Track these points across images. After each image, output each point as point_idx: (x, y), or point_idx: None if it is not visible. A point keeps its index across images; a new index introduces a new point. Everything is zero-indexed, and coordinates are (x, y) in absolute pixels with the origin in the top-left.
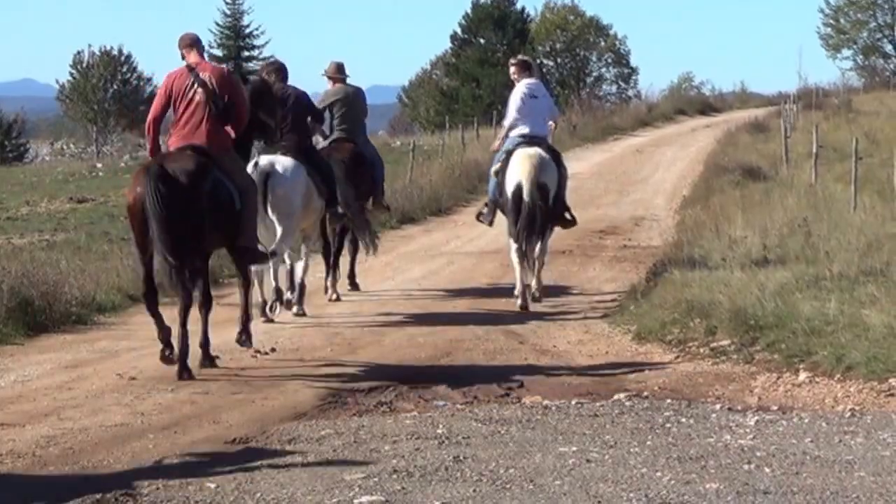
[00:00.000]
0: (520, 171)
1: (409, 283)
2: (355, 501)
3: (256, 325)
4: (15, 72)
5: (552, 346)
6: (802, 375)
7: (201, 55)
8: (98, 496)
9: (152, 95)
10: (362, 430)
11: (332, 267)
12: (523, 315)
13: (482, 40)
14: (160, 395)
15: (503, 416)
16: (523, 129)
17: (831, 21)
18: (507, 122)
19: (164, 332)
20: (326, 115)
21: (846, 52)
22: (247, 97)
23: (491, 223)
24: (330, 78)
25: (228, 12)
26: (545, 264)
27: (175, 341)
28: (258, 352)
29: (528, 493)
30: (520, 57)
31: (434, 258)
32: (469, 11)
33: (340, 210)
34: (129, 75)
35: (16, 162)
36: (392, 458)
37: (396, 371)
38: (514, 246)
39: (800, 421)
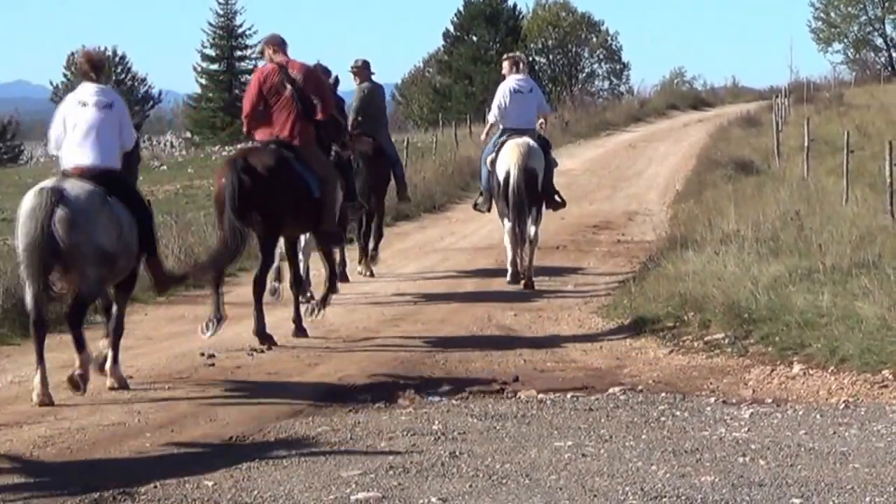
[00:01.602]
0: (509, 158)
1: (404, 280)
2: (352, 498)
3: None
4: (8, 73)
5: (547, 341)
6: (796, 368)
7: (286, 54)
8: (96, 495)
9: (147, 96)
10: (358, 427)
11: (362, 250)
12: (518, 310)
13: (475, 38)
14: (157, 394)
15: (499, 412)
16: (513, 123)
17: (822, 15)
18: (490, 118)
19: (216, 310)
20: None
21: (837, 46)
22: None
23: (488, 210)
24: (355, 75)
25: (221, 12)
26: (535, 250)
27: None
28: (254, 350)
29: (524, 487)
30: (512, 53)
31: (428, 255)
32: (461, 9)
33: (357, 204)
34: (123, 76)
35: (10, 163)
36: (388, 455)
37: (392, 367)
38: (507, 226)
39: (794, 413)
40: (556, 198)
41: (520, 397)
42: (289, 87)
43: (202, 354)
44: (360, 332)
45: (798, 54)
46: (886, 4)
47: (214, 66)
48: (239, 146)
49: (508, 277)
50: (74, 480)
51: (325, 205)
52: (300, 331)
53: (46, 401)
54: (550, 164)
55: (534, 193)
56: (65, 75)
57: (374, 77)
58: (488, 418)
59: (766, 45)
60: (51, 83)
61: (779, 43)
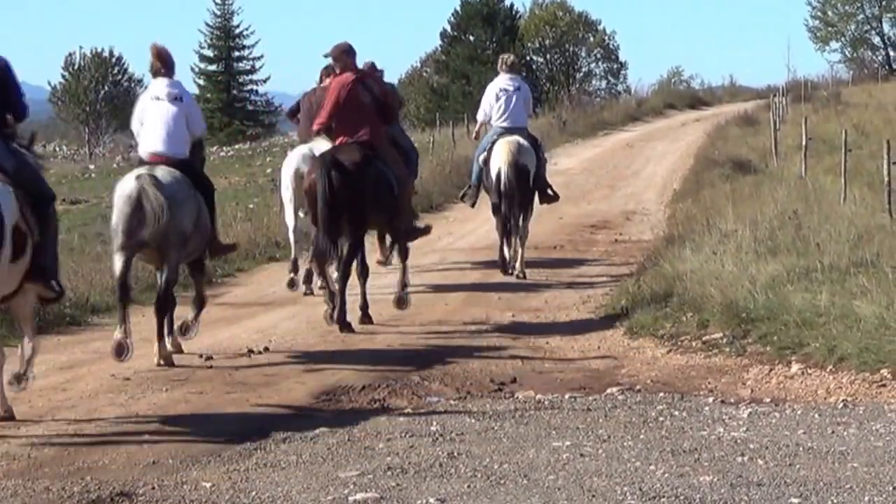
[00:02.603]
0: (501, 156)
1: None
2: (350, 499)
3: (256, 320)
4: None
5: (544, 341)
6: (795, 367)
7: (356, 62)
8: (94, 496)
9: None
10: (356, 428)
11: (380, 241)
12: (516, 311)
13: (472, 37)
14: (154, 396)
15: (496, 412)
16: (504, 123)
17: (819, 14)
18: (479, 117)
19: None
20: None
21: (834, 45)
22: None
23: (473, 205)
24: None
25: (218, 13)
26: (526, 241)
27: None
28: (251, 351)
29: (522, 488)
30: (509, 55)
31: (426, 255)
32: (458, 9)
33: None
34: (120, 77)
35: None
36: (386, 456)
37: (390, 368)
38: (498, 220)
39: (792, 413)
40: (549, 191)
41: (518, 398)
42: (367, 93)
43: (200, 356)
44: (357, 332)
45: (795, 53)
46: (884, 3)
47: (212, 67)
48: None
49: (501, 268)
50: (72, 482)
51: (401, 201)
52: (366, 317)
53: (123, 356)
54: (541, 161)
55: (525, 189)
56: (62, 76)
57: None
58: (486, 419)
59: (764, 45)
60: (49, 83)
61: (776, 42)
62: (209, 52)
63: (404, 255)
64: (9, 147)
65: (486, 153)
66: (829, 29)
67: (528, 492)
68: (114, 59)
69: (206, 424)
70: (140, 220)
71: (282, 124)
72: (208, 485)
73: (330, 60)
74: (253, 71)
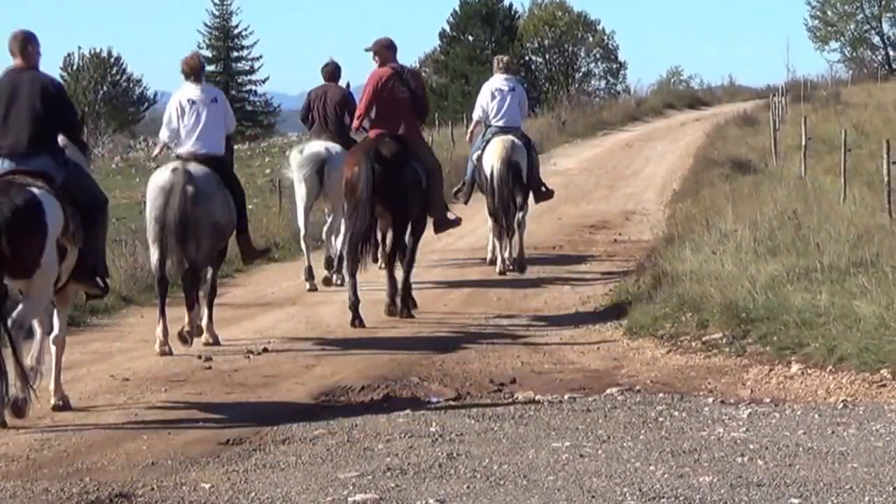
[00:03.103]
0: (494, 155)
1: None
2: (350, 500)
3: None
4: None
5: (544, 341)
6: (794, 367)
7: (396, 58)
8: (93, 498)
9: (142, 97)
10: (355, 429)
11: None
12: (515, 311)
13: (471, 37)
14: (153, 397)
15: (496, 413)
16: (499, 122)
17: (818, 13)
18: (475, 116)
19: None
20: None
21: (834, 45)
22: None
23: (466, 202)
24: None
25: (217, 13)
26: (524, 235)
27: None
28: (250, 352)
29: (521, 488)
30: (504, 57)
31: (425, 255)
32: (457, 9)
33: None
34: (119, 77)
35: None
36: (386, 457)
37: (389, 369)
38: (492, 220)
39: (792, 413)
40: (543, 189)
41: (517, 398)
42: (404, 88)
43: (199, 357)
44: (356, 333)
45: (795, 53)
46: (883, 3)
47: (211, 68)
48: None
49: (497, 268)
50: (71, 484)
51: (433, 193)
52: (406, 307)
53: (167, 350)
54: (534, 160)
55: (518, 186)
56: (61, 76)
57: None
58: (486, 419)
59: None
60: None
61: (775, 42)
62: (208, 53)
63: (411, 256)
64: (57, 161)
65: (480, 151)
66: (829, 28)
67: (528, 492)
68: (112, 60)
69: (205, 425)
70: (174, 210)
71: (280, 125)
72: (207, 486)
73: (330, 59)
74: (252, 71)
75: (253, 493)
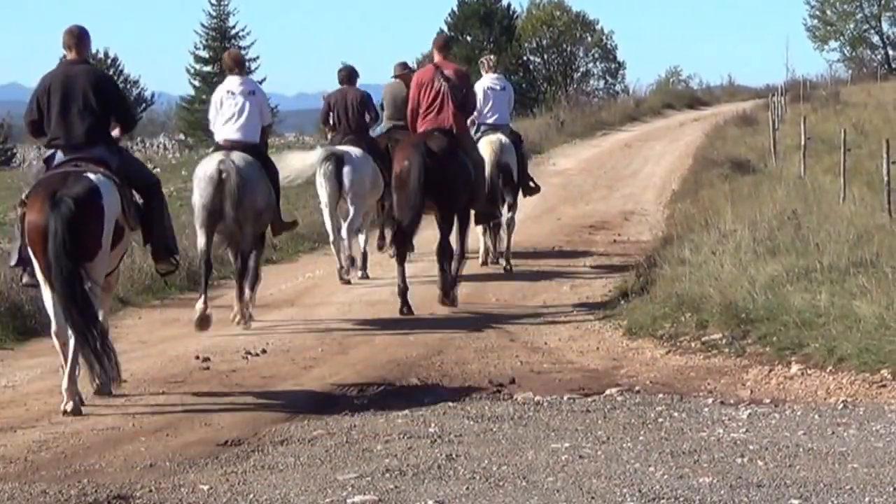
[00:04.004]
0: (484, 155)
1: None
2: (348, 501)
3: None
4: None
5: (543, 342)
6: (794, 368)
7: (444, 56)
8: (91, 500)
9: (139, 98)
10: (354, 430)
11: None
12: (514, 312)
13: (469, 37)
14: (151, 398)
15: (495, 414)
16: (490, 119)
17: (818, 13)
18: None
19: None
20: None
21: (833, 44)
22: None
23: None
24: (397, 76)
25: (214, 14)
26: (513, 233)
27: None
28: (249, 353)
29: (521, 490)
30: (490, 55)
31: (423, 255)
32: (456, 9)
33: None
34: (116, 78)
35: (3, 166)
36: (384, 458)
37: (387, 370)
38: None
39: (792, 413)
40: (531, 184)
41: (516, 399)
42: (444, 84)
43: (197, 358)
44: (355, 334)
45: (794, 52)
46: (883, 2)
47: (208, 68)
48: None
49: (480, 258)
50: (69, 485)
51: (478, 185)
52: (446, 297)
53: (206, 317)
54: (524, 157)
55: (508, 187)
56: None
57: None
58: (485, 420)
59: (762, 44)
60: None
61: (775, 41)
62: (204, 54)
63: (460, 249)
64: (111, 149)
65: None
66: (828, 28)
67: (527, 493)
68: (109, 60)
69: (204, 427)
70: (220, 198)
71: (277, 126)
72: (206, 487)
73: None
74: (249, 72)
75: (251, 495)
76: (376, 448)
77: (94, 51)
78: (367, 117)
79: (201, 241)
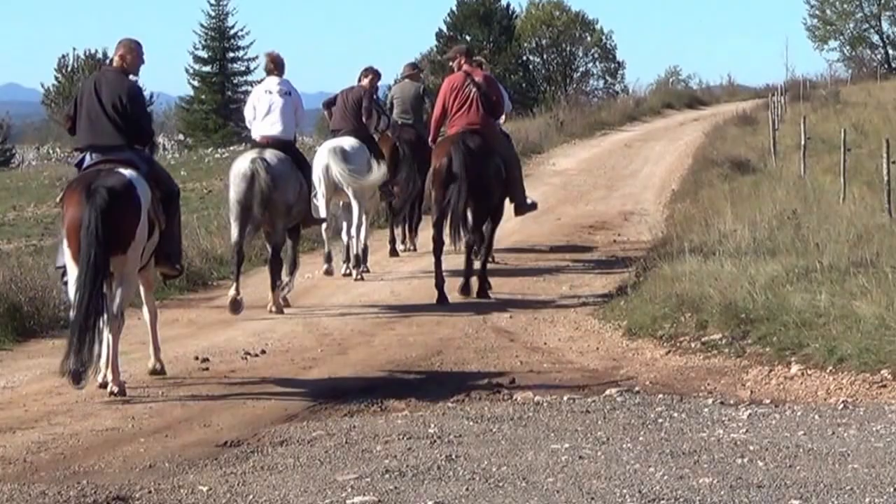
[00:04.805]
0: None
1: (399, 283)
2: (348, 502)
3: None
4: None
5: (543, 342)
6: (794, 368)
7: (469, 63)
8: (90, 501)
9: None
10: (354, 431)
11: (411, 229)
12: (513, 312)
13: (468, 37)
14: (150, 399)
15: (495, 414)
16: None
17: (817, 12)
18: None
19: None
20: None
21: (833, 44)
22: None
23: None
24: (405, 76)
25: (213, 13)
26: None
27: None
28: (248, 354)
29: (521, 490)
30: (475, 58)
31: (423, 256)
32: (455, 9)
33: (390, 187)
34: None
35: (2, 167)
36: (384, 458)
37: (387, 371)
38: None
39: (792, 414)
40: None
41: (516, 399)
42: (474, 89)
43: (196, 359)
44: (354, 334)
45: (794, 52)
46: (882, 1)
47: (207, 69)
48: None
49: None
50: (68, 486)
51: (511, 182)
52: (483, 291)
53: (238, 310)
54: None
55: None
56: (56, 78)
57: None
58: (484, 421)
59: (762, 43)
60: (42, 86)
61: (774, 41)
62: (203, 54)
63: (489, 243)
64: (139, 155)
65: None
66: (828, 28)
67: (527, 494)
68: (107, 61)
69: (203, 427)
70: (252, 194)
71: None
72: (205, 488)
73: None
74: (248, 72)
75: (251, 496)
76: (376, 449)
77: (92, 51)
78: (364, 115)
79: (234, 232)
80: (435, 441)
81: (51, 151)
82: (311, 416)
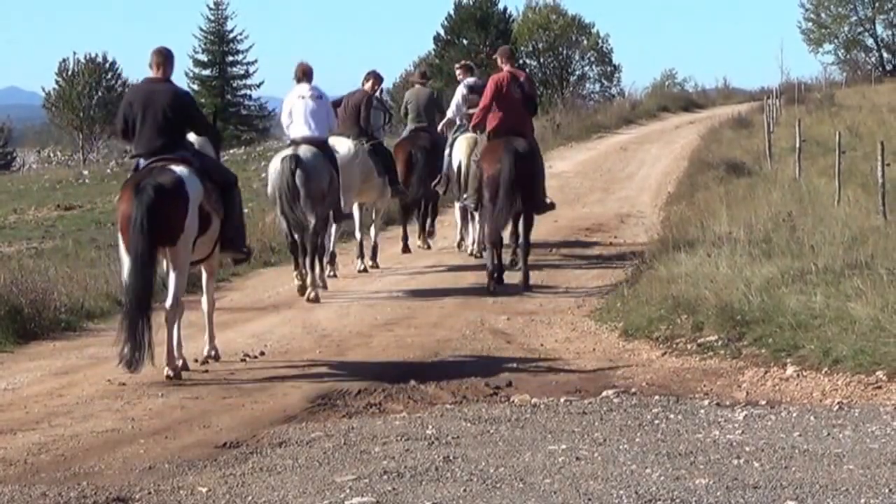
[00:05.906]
0: (462, 153)
1: (397, 284)
2: (346, 503)
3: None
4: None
5: (540, 344)
6: (790, 370)
7: (512, 65)
8: (90, 502)
9: None
10: (352, 432)
11: (420, 227)
12: (511, 314)
13: (465, 41)
14: (150, 401)
15: (492, 416)
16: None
17: (812, 16)
18: (449, 114)
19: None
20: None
21: (828, 47)
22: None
23: (444, 192)
24: (415, 82)
25: (212, 17)
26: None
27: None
28: (247, 356)
29: (518, 491)
30: (464, 62)
31: (420, 258)
32: (452, 12)
33: (399, 187)
34: (113, 82)
35: (2, 170)
36: (382, 460)
37: (385, 372)
38: (458, 205)
39: (788, 415)
40: None
41: (513, 401)
42: (518, 90)
43: (195, 360)
44: (352, 336)
45: (789, 55)
46: (877, 5)
47: (206, 72)
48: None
49: (461, 246)
50: (69, 488)
51: (537, 182)
52: (526, 286)
53: (304, 293)
54: None
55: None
56: (56, 82)
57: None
58: (482, 422)
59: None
60: (42, 89)
61: (769, 44)
62: (203, 57)
63: (527, 234)
64: (193, 152)
65: (449, 147)
66: (823, 31)
67: (524, 495)
68: (107, 65)
69: (202, 429)
70: (290, 185)
71: (275, 129)
72: (204, 489)
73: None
74: (247, 76)
75: (250, 497)
76: (374, 450)
77: (93, 55)
78: (362, 119)
79: (284, 226)
80: (433, 442)
81: (51, 155)
82: (310, 418)
